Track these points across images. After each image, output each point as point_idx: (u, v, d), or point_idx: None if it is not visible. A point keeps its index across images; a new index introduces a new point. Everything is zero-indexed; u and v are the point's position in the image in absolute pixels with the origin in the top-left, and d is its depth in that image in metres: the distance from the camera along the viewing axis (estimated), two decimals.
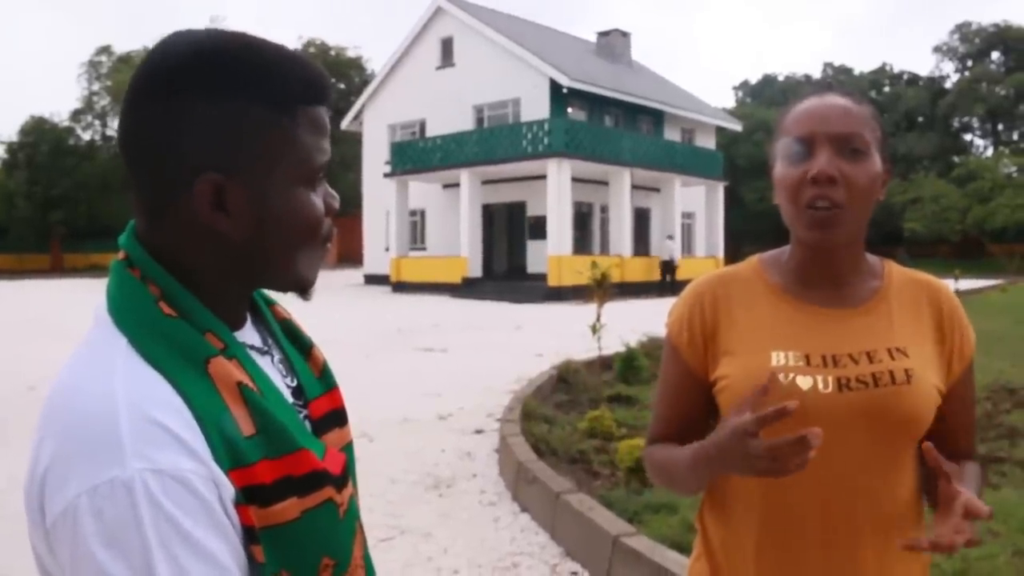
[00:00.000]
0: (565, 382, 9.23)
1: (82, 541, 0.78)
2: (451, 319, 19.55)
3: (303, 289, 1.04)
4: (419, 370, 11.49)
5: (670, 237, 30.89)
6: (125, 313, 0.92)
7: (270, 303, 1.17)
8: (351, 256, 52.62)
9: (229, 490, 0.86)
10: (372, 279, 35.97)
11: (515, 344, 14.34)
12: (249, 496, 0.88)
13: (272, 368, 1.06)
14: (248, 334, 1.06)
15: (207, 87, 0.90)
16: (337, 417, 1.13)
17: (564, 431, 6.69)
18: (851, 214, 1.38)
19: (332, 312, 20.67)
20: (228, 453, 0.87)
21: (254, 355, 1.02)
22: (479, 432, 7.63)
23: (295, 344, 1.16)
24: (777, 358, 1.41)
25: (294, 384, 1.09)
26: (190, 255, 0.96)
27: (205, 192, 0.91)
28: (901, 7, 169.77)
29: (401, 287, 31.14)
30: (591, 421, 6.63)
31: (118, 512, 0.78)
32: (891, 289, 1.49)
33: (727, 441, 1.25)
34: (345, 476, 1.02)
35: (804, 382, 1.38)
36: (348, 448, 1.12)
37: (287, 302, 1.15)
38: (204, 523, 0.82)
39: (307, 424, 1.06)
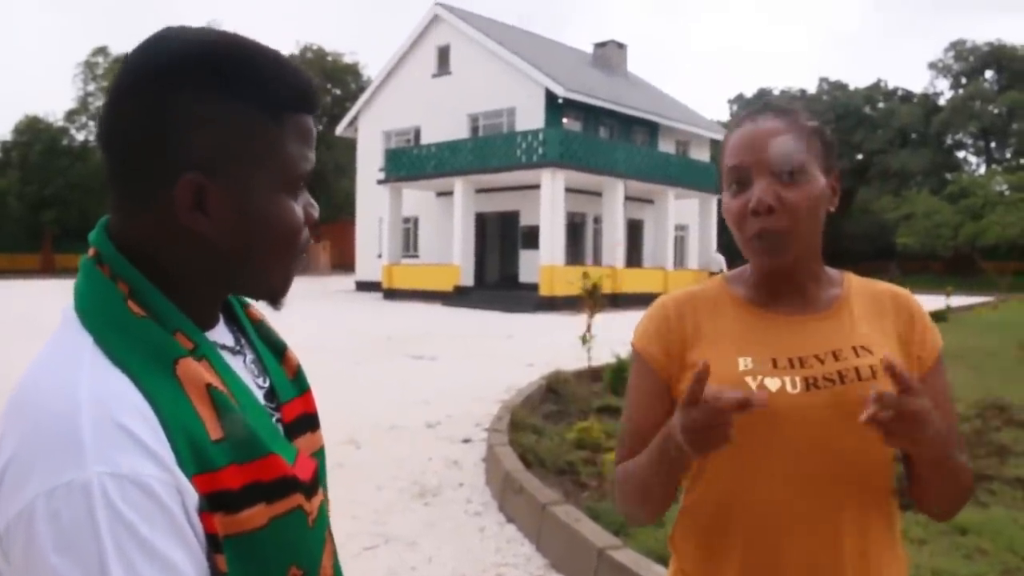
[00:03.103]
0: (554, 392, 9.19)
1: (36, 545, 0.76)
2: (442, 327, 19.53)
3: (275, 297, 1.03)
4: (409, 378, 11.45)
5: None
6: (92, 312, 0.90)
7: (244, 304, 1.15)
8: (344, 262, 52.61)
9: (193, 497, 0.83)
10: (364, 286, 35.90)
11: (505, 353, 14.31)
12: (215, 502, 0.85)
13: (244, 369, 1.04)
14: (220, 333, 1.04)
15: (196, 86, 0.89)
16: (309, 421, 1.11)
17: (552, 442, 6.65)
18: (797, 237, 1.41)
19: (323, 318, 20.63)
20: (194, 458, 0.84)
21: (226, 355, 1.00)
22: (467, 441, 7.59)
23: (269, 346, 1.14)
24: (744, 362, 1.43)
25: (266, 386, 1.07)
26: (165, 254, 0.94)
27: (186, 191, 0.90)
28: (896, 24, 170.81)
29: (393, 294, 31.09)
30: (579, 432, 6.59)
31: (74, 516, 0.76)
32: (851, 295, 1.52)
33: (675, 415, 1.27)
34: (315, 483, 1.00)
35: (772, 383, 1.40)
36: (319, 454, 1.10)
37: (267, 308, 1.14)
38: (164, 530, 0.79)
39: (279, 427, 1.04)
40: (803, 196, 1.39)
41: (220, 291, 1.02)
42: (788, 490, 1.38)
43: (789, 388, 1.39)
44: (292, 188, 0.97)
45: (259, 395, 1.02)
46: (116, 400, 0.82)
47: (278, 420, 1.05)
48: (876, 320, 1.49)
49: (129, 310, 0.89)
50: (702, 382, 1.21)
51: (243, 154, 0.92)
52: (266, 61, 0.94)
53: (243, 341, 1.09)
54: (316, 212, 1.03)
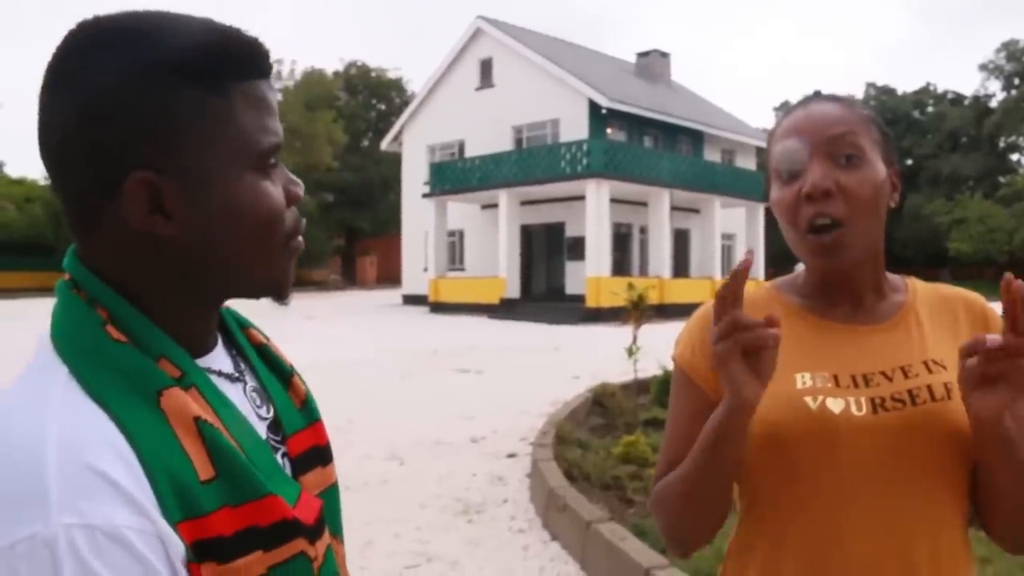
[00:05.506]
0: (601, 405, 9.08)
1: None
2: (488, 340, 19.47)
3: (274, 292, 0.92)
4: (454, 392, 11.40)
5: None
6: (67, 339, 0.81)
7: (245, 326, 1.06)
8: (390, 276, 52.87)
9: (178, 547, 0.74)
10: (411, 299, 35.99)
11: (552, 366, 14.20)
12: (204, 551, 0.76)
13: (244, 398, 0.94)
14: (218, 359, 0.94)
15: (123, 71, 0.79)
16: (320, 455, 1.01)
17: (598, 456, 6.55)
18: (857, 231, 1.25)
19: (369, 332, 20.68)
20: (179, 502, 0.75)
21: (222, 383, 0.91)
22: (512, 456, 7.50)
23: (273, 371, 1.04)
24: (802, 380, 1.26)
25: (270, 416, 0.97)
26: (134, 270, 0.84)
27: (136, 193, 0.80)
28: (943, 32, 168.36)
29: (439, 308, 31.13)
30: (626, 446, 6.47)
31: (37, 575, 0.67)
32: (918, 302, 1.36)
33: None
34: (320, 525, 0.90)
35: (835, 404, 1.23)
36: (331, 491, 1.01)
37: (273, 328, 1.04)
38: None
39: (285, 462, 0.95)
40: (863, 181, 1.24)
41: (206, 302, 0.92)
42: (852, 526, 1.22)
43: (854, 410, 1.22)
44: (259, 166, 0.86)
45: (261, 427, 0.93)
46: (89, 439, 0.73)
47: (283, 455, 0.96)
48: (947, 330, 1.33)
49: (108, 336, 0.80)
50: (739, 280, 1.09)
51: (191, 138, 0.82)
52: (197, 30, 0.83)
53: (243, 367, 0.99)
54: (300, 189, 0.92)
